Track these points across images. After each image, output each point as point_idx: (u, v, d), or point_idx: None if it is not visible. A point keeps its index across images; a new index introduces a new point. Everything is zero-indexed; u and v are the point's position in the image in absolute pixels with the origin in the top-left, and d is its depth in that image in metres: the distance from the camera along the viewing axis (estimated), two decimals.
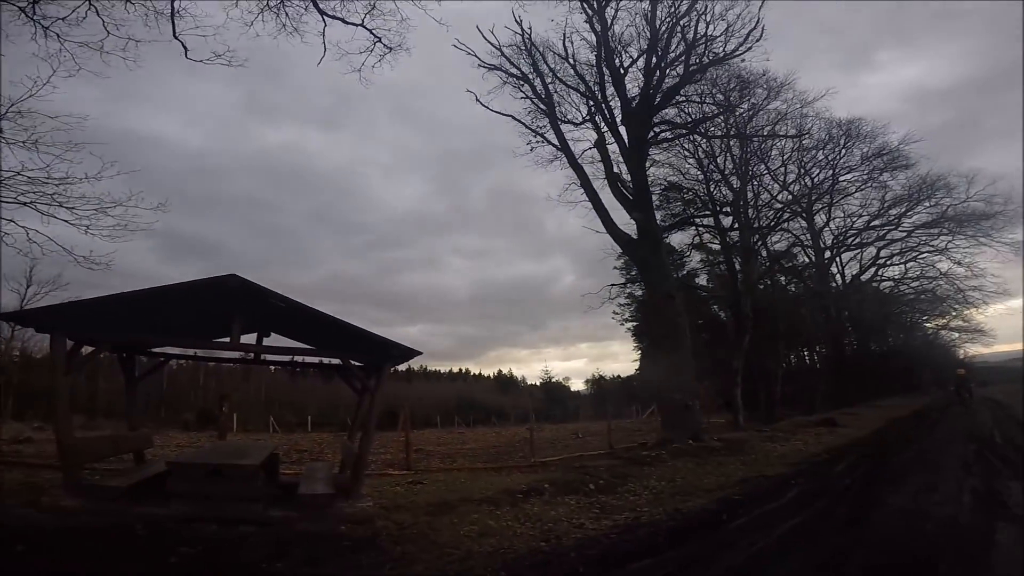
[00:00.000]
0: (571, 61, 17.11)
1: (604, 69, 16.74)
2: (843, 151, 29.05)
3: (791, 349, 31.08)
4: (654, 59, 16.36)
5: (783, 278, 31.94)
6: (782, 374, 27.35)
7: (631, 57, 16.87)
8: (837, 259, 34.96)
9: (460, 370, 72.99)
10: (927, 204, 31.02)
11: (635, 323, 34.51)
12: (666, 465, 10.32)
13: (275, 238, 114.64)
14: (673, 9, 15.98)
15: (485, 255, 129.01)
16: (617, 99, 16.88)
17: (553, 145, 17.34)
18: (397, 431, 16.83)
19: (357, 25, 12.12)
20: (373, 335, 5.88)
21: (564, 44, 17.00)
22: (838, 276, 35.68)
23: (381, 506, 6.41)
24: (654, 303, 16.31)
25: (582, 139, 17.94)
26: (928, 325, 43.54)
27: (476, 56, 17.25)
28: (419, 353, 6.28)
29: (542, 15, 29.38)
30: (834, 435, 15.92)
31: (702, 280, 31.30)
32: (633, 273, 25.39)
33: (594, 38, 16.63)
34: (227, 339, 5.78)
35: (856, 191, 31.13)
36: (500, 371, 75.31)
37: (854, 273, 36.25)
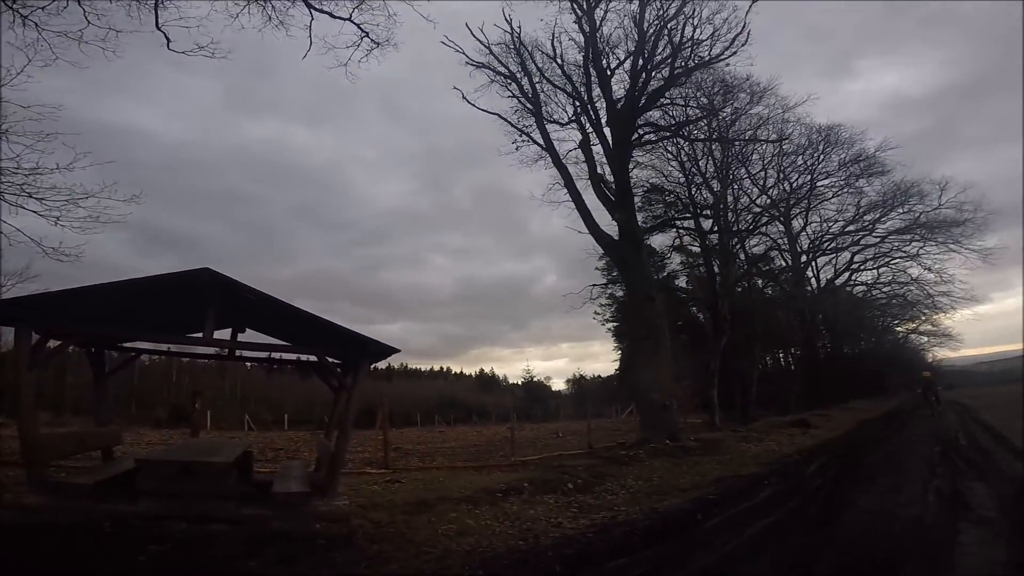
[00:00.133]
0: (559, 61, 17.18)
1: (591, 70, 16.82)
2: (821, 157, 29.77)
3: (767, 351, 31.70)
4: (640, 61, 16.48)
5: (760, 281, 32.53)
6: (758, 375, 27.83)
7: (618, 59, 16.99)
8: (813, 263, 35.90)
9: (442, 368, 72.66)
10: (900, 210, 32.04)
11: (616, 323, 34.80)
12: (643, 465, 10.43)
13: (255, 233, 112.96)
14: (661, 12, 16.12)
15: (468, 253, 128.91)
16: (603, 100, 16.99)
17: (538, 145, 17.38)
18: (375, 429, 16.68)
19: (344, 19, 11.98)
20: (350, 331, 5.81)
21: (552, 44, 17.05)
22: (813, 280, 36.64)
23: (358, 505, 6.36)
24: (634, 304, 16.44)
25: (567, 139, 18.07)
26: (899, 329, 44.89)
27: (464, 53, 17.20)
28: (397, 351, 6.23)
29: (531, 15, 29.63)
30: (807, 436, 16.29)
31: (682, 282, 31.72)
32: (614, 274, 25.61)
33: (582, 39, 16.71)
34: (200, 334, 5.65)
35: (833, 196, 31.98)
36: (482, 370, 75.24)
37: (829, 277, 37.21)
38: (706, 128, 21.07)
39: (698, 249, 26.97)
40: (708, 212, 24.85)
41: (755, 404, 26.56)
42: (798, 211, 32.50)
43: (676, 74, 16.64)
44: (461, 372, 73.19)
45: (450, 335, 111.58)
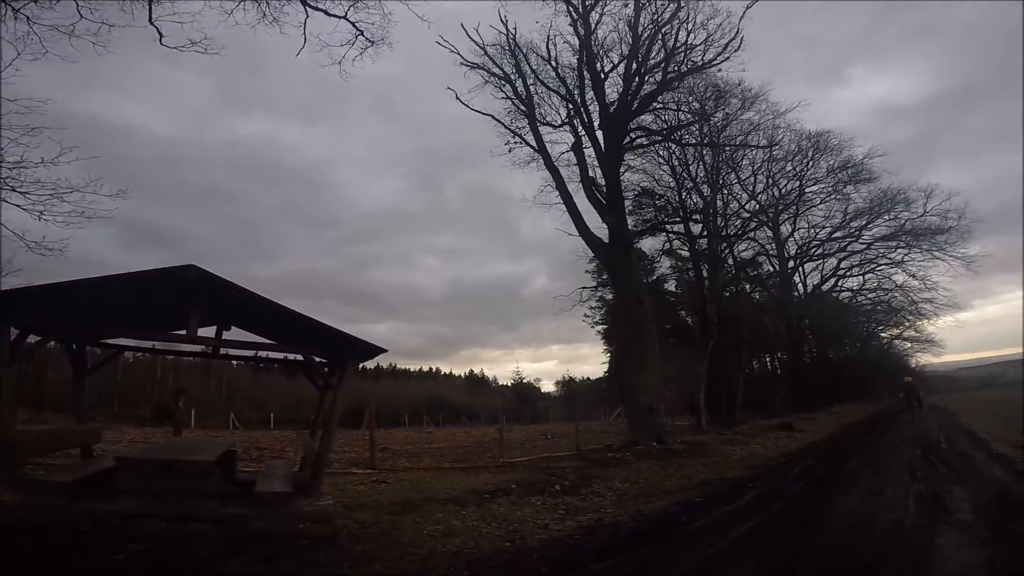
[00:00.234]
0: (553, 63, 17.23)
1: (585, 73, 16.90)
2: (810, 163, 30.10)
3: (753, 355, 32.04)
4: (634, 65, 16.58)
5: (748, 286, 32.83)
6: (744, 379, 28.10)
7: (612, 62, 17.09)
8: (800, 269, 36.29)
9: (431, 369, 72.59)
10: (886, 217, 32.46)
11: (605, 326, 34.95)
12: (630, 467, 10.47)
13: (243, 230, 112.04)
14: (656, 16, 16.21)
15: (459, 254, 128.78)
16: (596, 103, 17.07)
17: (531, 146, 17.44)
18: (362, 429, 16.58)
19: (340, 17, 11.96)
20: (336, 331, 5.78)
21: (547, 46, 17.10)
22: (800, 285, 37.03)
23: (343, 505, 6.32)
24: (623, 307, 16.51)
25: (559, 141, 18.08)
26: (883, 335, 45.54)
27: (459, 54, 17.21)
28: (384, 351, 6.20)
29: (527, 16, 29.72)
30: (791, 439, 16.45)
31: (671, 286, 31.89)
32: (604, 277, 25.69)
33: (577, 41, 16.80)
34: (184, 331, 5.58)
35: (821, 203, 32.33)
36: (471, 371, 75.23)
37: (815, 283, 37.64)
38: (697, 133, 21.21)
39: (687, 253, 27.14)
40: (698, 217, 25.01)
41: (741, 407, 26.81)
42: (786, 217, 32.86)
43: (669, 78, 16.75)
44: (450, 373, 73.22)
45: (439, 336, 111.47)
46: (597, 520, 6.52)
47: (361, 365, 7.20)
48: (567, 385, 66.71)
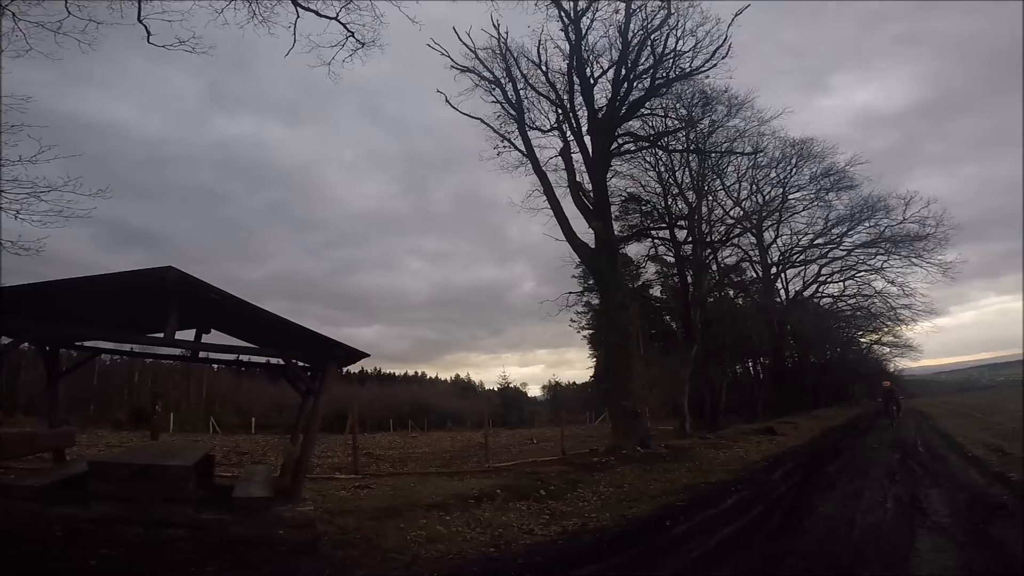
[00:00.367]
0: (543, 68, 17.31)
1: (575, 78, 16.98)
2: (794, 170, 30.68)
3: (736, 360, 32.42)
4: (623, 71, 16.70)
5: (732, 292, 33.25)
6: (727, 384, 28.40)
7: (602, 68, 17.22)
8: (783, 275, 36.90)
9: (416, 373, 71.85)
10: (867, 224, 33.14)
11: (591, 331, 35.11)
12: (615, 471, 10.50)
13: (227, 232, 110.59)
14: (646, 22, 16.35)
15: (446, 258, 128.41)
16: (585, 108, 17.19)
17: (520, 151, 17.50)
18: (346, 434, 16.41)
19: (331, 19, 11.93)
20: (317, 334, 5.70)
21: (538, 51, 17.19)
22: (782, 291, 37.61)
23: (324, 510, 6.25)
24: (608, 312, 16.59)
25: (548, 146, 18.25)
26: (862, 340, 46.44)
27: (450, 57, 17.23)
28: (366, 355, 6.14)
29: (520, 21, 29.86)
30: (773, 443, 16.64)
31: (656, 291, 32.18)
32: (590, 282, 25.83)
33: (568, 47, 16.88)
34: (161, 334, 5.46)
35: (803, 209, 33.00)
36: (458, 375, 74.54)
37: (797, 289, 38.27)
38: (684, 139, 21.50)
39: (672, 259, 27.43)
40: (683, 223, 25.31)
41: (724, 411, 27.09)
42: (770, 223, 33.43)
43: (657, 85, 16.92)
44: (436, 377, 72.49)
45: (425, 340, 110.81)
46: (582, 525, 6.52)
47: (345, 369, 7.13)
48: (553, 390, 66.86)
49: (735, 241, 29.12)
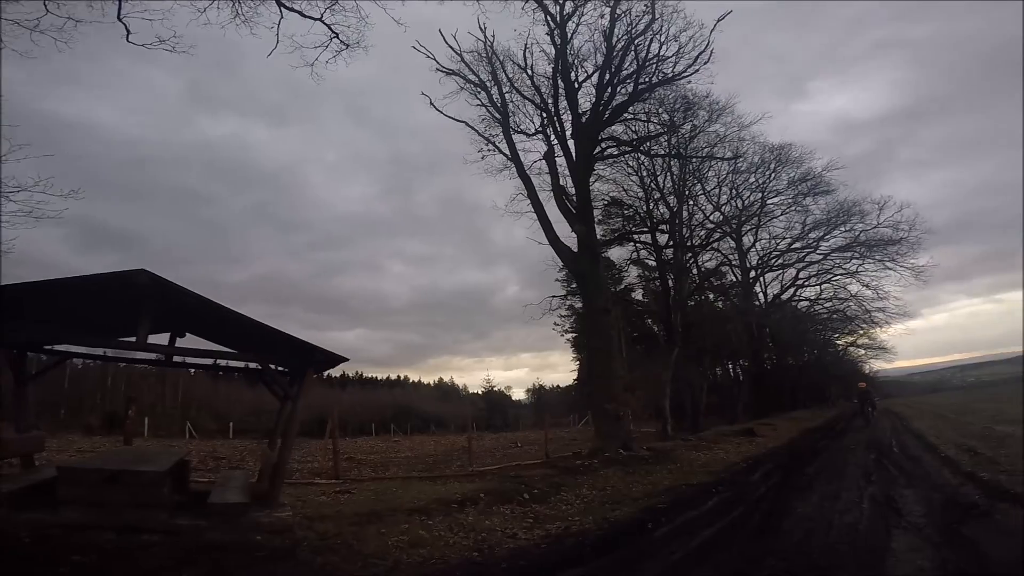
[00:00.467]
0: (529, 72, 17.33)
1: (560, 82, 17.04)
2: (772, 175, 31.24)
3: (716, 362, 32.86)
4: (607, 75, 16.79)
5: (712, 295, 33.66)
6: (707, 386, 28.73)
7: (586, 72, 17.28)
8: (761, 279, 37.52)
9: (399, 377, 71.20)
10: (843, 229, 33.93)
11: (575, 334, 35.22)
12: (598, 474, 10.53)
13: (207, 234, 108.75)
14: (631, 27, 16.45)
15: (429, 261, 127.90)
16: (569, 113, 17.21)
17: (504, 154, 17.46)
18: (326, 439, 16.18)
19: (316, 19, 11.80)
20: (295, 339, 5.62)
21: (524, 55, 17.19)
22: (761, 295, 38.27)
23: (303, 516, 6.16)
24: (591, 316, 16.66)
25: (532, 150, 18.18)
26: (838, 342, 47.46)
27: (435, 60, 17.15)
28: (345, 359, 6.07)
29: (506, 24, 30.02)
30: (752, 445, 16.86)
31: (639, 295, 32.42)
32: (574, 286, 25.93)
33: (553, 51, 16.93)
34: (134, 338, 5.32)
35: (781, 214, 33.62)
36: (441, 379, 74.20)
37: (775, 292, 38.96)
38: (666, 144, 21.73)
39: (654, 263, 27.67)
40: (664, 227, 25.54)
41: (705, 413, 27.38)
42: (749, 228, 33.95)
43: (640, 89, 17.04)
44: (419, 381, 72.06)
45: (408, 343, 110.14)
46: (565, 528, 6.52)
47: (326, 373, 7.05)
48: (537, 393, 66.98)
49: (715, 245, 29.52)
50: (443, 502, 7.43)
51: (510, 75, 17.48)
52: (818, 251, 35.39)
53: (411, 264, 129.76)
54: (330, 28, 12.01)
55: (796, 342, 41.44)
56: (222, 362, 6.93)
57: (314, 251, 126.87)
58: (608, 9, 16.23)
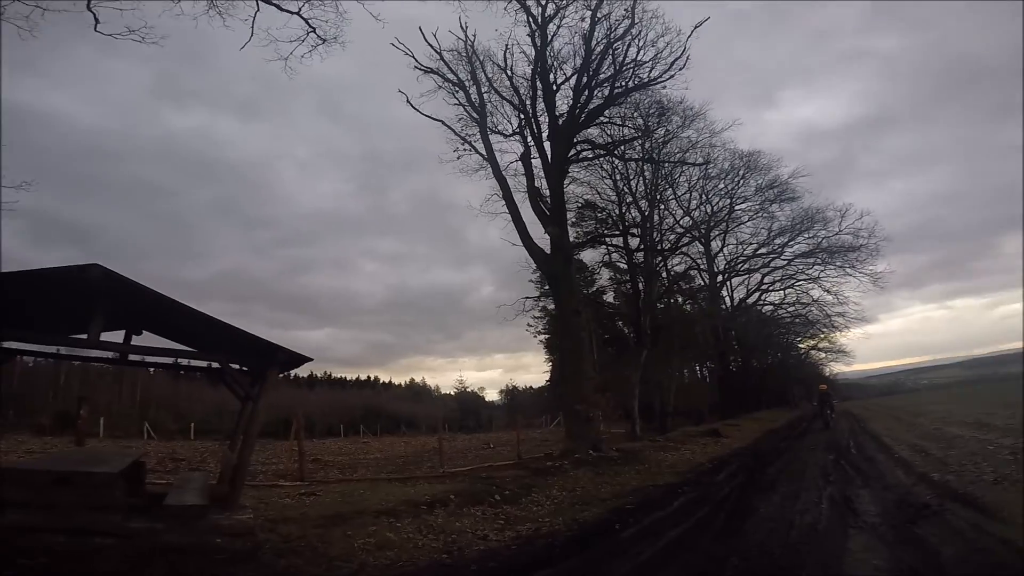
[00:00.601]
0: (509, 73, 17.31)
1: (538, 83, 17.06)
2: (741, 181, 32.11)
3: (684, 364, 33.45)
4: (585, 78, 16.89)
5: (680, 298, 34.30)
6: (675, 387, 29.20)
7: (565, 75, 17.35)
8: (728, 283, 38.56)
9: (369, 378, 70.22)
10: (806, 235, 35.15)
11: (547, 336, 35.34)
12: (568, 475, 10.60)
13: (169, 228, 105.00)
14: (610, 31, 16.56)
15: (402, 260, 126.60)
16: (546, 115, 17.27)
17: (480, 154, 17.38)
18: (292, 440, 15.82)
19: (293, 13, 11.55)
20: (257, 338, 5.47)
21: (505, 55, 17.16)
22: (727, 299, 39.25)
23: (266, 518, 6.02)
24: (562, 317, 16.74)
25: (509, 151, 18.16)
26: (801, 345, 49.08)
27: (414, 57, 16.95)
28: (309, 359, 5.94)
29: (487, 24, 29.99)
30: (718, 445, 17.25)
31: (610, 297, 32.76)
32: (547, 287, 26.01)
33: (533, 52, 16.93)
34: (85, 336, 5.07)
35: (748, 220, 34.68)
36: (412, 379, 73.51)
37: (741, 296, 40.07)
38: (640, 148, 22.03)
39: (625, 266, 28.01)
40: (636, 231, 25.88)
41: (673, 414, 27.84)
42: (717, 233, 34.87)
43: (616, 93, 17.20)
44: (390, 382, 71.26)
45: (379, 343, 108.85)
46: (535, 529, 6.54)
47: (292, 373, 6.89)
48: (511, 394, 66.98)
49: (684, 249, 30.10)
50: (412, 504, 7.35)
51: (489, 75, 17.47)
52: (782, 257, 36.64)
53: (383, 263, 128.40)
54: (307, 22, 11.83)
55: (761, 345, 42.67)
56: (183, 361, 6.67)
57: (282, 248, 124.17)
58: (589, 12, 16.35)
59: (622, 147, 20.29)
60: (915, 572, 4.17)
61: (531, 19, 16.68)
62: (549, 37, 16.84)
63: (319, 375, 62.04)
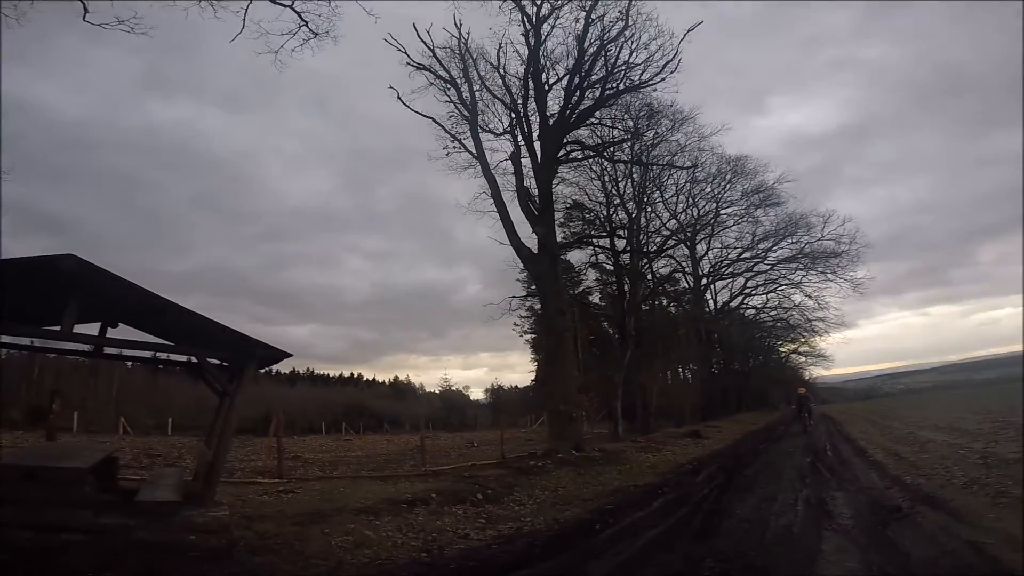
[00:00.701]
0: (501, 71, 17.28)
1: (530, 83, 17.06)
2: (728, 185, 32.55)
3: (667, 366, 33.73)
4: (577, 79, 16.92)
5: (665, 301, 34.62)
6: (658, 388, 29.41)
7: (557, 75, 17.37)
8: (712, 286, 39.05)
9: (352, 375, 69.66)
10: (790, 240, 35.79)
11: (533, 335, 35.40)
12: (551, 475, 10.63)
13: (151, 220, 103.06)
14: (604, 33, 16.61)
15: (388, 257, 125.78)
16: (537, 114, 17.27)
17: (470, 152, 17.33)
18: (271, 436, 15.64)
19: (286, 6, 11.41)
20: (236, 332, 5.39)
21: (498, 54, 17.13)
22: (711, 302, 39.71)
23: (242, 516, 5.96)
24: (547, 317, 16.78)
25: (498, 149, 18.15)
26: (782, 349, 49.92)
27: (406, 54, 16.85)
28: (288, 355, 5.87)
29: (481, 23, 29.89)
30: (699, 446, 17.44)
31: (596, 298, 32.94)
32: (534, 287, 26.04)
33: (527, 51, 16.92)
34: (58, 328, 4.95)
35: (734, 224, 35.22)
36: (397, 377, 72.97)
37: (725, 300, 40.65)
38: (628, 150, 22.17)
39: (611, 267, 28.19)
40: (623, 232, 26.05)
41: (655, 415, 28.05)
42: (703, 237, 35.27)
43: (607, 95, 17.27)
44: (374, 379, 70.69)
45: (363, 340, 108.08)
46: (517, 529, 6.54)
47: (274, 369, 6.81)
48: (496, 393, 66.86)
49: (670, 252, 30.39)
50: (393, 502, 7.31)
51: (482, 73, 17.42)
52: (766, 261, 37.23)
53: (369, 260, 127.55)
54: (300, 16, 11.71)
55: (742, 348, 43.23)
56: (162, 355, 6.56)
57: (266, 243, 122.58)
58: (584, 14, 16.38)
59: (611, 149, 20.40)
60: (886, 575, 4.25)
61: (526, 18, 16.68)
62: (543, 37, 16.86)
63: (301, 372, 61.51)
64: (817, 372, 57.03)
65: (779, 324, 43.07)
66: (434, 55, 16.98)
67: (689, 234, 33.26)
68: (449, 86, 17.26)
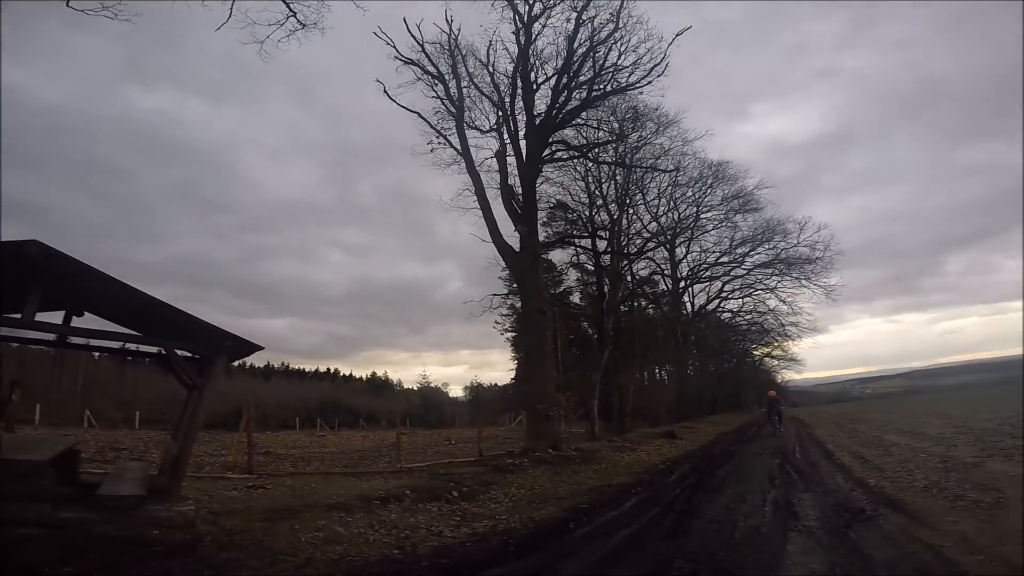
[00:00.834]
0: (490, 69, 17.23)
1: (519, 81, 17.04)
2: (708, 190, 33.03)
3: (644, 367, 34.14)
4: (565, 79, 16.96)
5: (643, 302, 35.01)
6: (635, 389, 29.73)
7: (545, 75, 17.38)
8: (690, 289, 39.63)
9: (329, 370, 68.60)
10: (767, 246, 36.56)
11: (514, 334, 35.45)
12: (527, 473, 10.67)
13: (124, 209, 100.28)
14: (594, 34, 16.65)
15: (368, 252, 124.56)
16: (524, 113, 17.27)
17: (455, 149, 17.24)
18: (241, 431, 15.36)
19: None
20: (204, 323, 5.26)
21: (488, 51, 17.09)
22: (688, 304, 40.31)
23: (209, 511, 5.85)
24: (527, 316, 16.80)
25: (484, 147, 18.09)
26: (756, 352, 50.97)
27: (395, 48, 16.70)
28: (260, 348, 5.76)
29: (473, 20, 29.64)
30: (673, 446, 17.69)
31: (576, 298, 33.11)
32: (515, 285, 26.04)
33: (516, 50, 16.90)
34: (19, 315, 4.77)
35: (713, 229, 35.80)
36: (374, 373, 72.07)
37: (702, 303, 41.25)
38: (613, 152, 22.30)
39: (592, 268, 28.36)
40: (604, 233, 26.22)
41: (631, 415, 28.35)
42: (682, 240, 35.75)
43: (594, 96, 17.35)
44: (351, 375, 69.70)
45: (340, 335, 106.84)
46: (492, 527, 6.54)
47: (247, 363, 6.67)
48: (475, 391, 66.76)
49: (649, 254, 30.81)
50: (365, 499, 7.25)
51: (471, 70, 17.35)
52: (743, 266, 37.98)
53: (348, 254, 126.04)
54: (288, 6, 11.51)
55: (718, 350, 44.03)
56: (130, 346, 6.35)
57: (243, 233, 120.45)
58: (575, 14, 16.40)
59: (596, 150, 20.49)
60: None
61: (517, 17, 16.66)
62: (533, 36, 16.86)
63: (276, 366, 60.41)
64: (789, 376, 58.63)
65: (754, 328, 44.02)
66: (423, 50, 16.87)
67: (669, 237, 33.74)
68: (437, 82, 17.16)
